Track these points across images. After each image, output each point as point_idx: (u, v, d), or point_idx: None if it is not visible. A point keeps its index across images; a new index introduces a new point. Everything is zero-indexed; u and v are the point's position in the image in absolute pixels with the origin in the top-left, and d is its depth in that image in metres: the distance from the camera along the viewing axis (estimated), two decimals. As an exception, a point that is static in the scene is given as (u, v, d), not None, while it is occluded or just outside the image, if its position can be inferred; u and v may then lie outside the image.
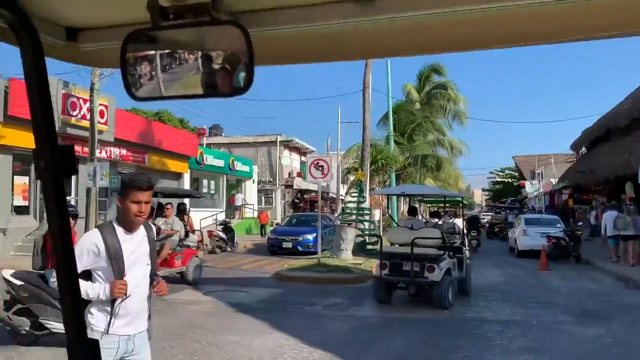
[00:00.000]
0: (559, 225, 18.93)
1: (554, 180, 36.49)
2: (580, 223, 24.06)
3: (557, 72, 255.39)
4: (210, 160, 25.83)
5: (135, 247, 2.89)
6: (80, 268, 2.78)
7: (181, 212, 12.67)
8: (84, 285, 2.77)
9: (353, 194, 21.00)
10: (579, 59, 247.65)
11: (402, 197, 22.07)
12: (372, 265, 14.02)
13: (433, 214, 19.12)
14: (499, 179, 70.25)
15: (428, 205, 27.90)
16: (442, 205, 24.65)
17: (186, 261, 10.95)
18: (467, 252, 10.91)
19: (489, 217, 40.30)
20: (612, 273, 13.67)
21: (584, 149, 31.05)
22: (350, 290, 11.04)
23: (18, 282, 6.02)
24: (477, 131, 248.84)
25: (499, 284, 12.30)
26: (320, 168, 14.13)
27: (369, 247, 18.33)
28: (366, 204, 20.15)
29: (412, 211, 12.29)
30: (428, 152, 31.89)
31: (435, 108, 33.71)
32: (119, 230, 2.87)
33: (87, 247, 2.83)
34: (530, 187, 47.17)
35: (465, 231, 13.02)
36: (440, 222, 13.65)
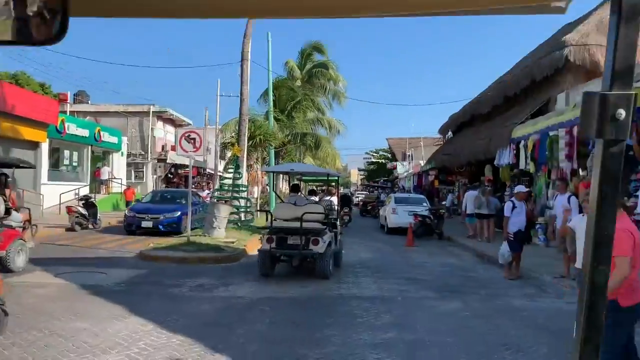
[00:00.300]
0: (425, 204, 20.03)
1: (422, 162, 38.71)
2: (444, 202, 25.81)
3: (431, 56, 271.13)
4: (72, 129, 23.56)
5: None
6: None
7: (1, 185, 10.72)
8: None
9: (229, 170, 20.37)
10: (454, 44, 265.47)
11: (281, 175, 21.91)
12: (245, 243, 13.70)
13: (311, 192, 19.40)
14: (373, 160, 73.10)
15: (307, 183, 28.25)
16: (320, 183, 24.98)
17: (6, 244, 9.20)
18: (339, 227, 11.52)
19: (363, 195, 41.81)
20: (470, 249, 14.67)
21: (450, 133, 33.11)
22: (220, 269, 10.62)
23: None
24: (355, 112, 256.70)
25: (368, 260, 12.62)
26: (192, 141, 13.33)
27: (244, 224, 17.95)
28: (243, 181, 19.68)
29: (295, 188, 12.49)
30: (308, 130, 32.11)
31: (316, 87, 34.05)
32: None
33: None
34: (401, 168, 49.70)
35: (338, 208, 13.33)
36: (318, 200, 13.85)
